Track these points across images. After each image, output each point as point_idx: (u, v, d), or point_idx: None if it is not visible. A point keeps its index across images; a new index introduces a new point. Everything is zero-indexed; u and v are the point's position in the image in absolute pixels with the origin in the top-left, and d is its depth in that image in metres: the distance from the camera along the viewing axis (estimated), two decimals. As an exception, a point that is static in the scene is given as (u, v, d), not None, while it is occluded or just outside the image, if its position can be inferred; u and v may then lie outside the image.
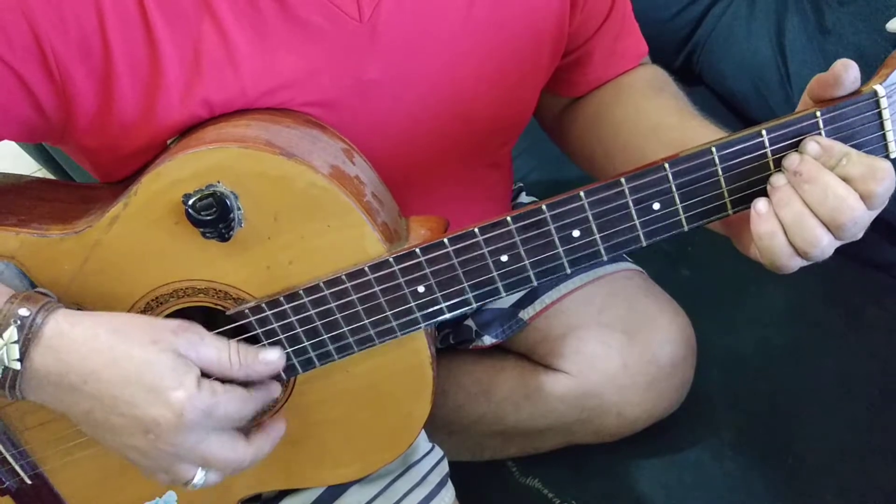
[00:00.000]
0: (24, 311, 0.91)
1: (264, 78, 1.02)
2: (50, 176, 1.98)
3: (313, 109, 1.06)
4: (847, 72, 0.89)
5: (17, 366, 0.90)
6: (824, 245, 0.91)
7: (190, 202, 0.93)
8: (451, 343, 1.52)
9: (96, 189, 1.10)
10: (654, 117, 1.20)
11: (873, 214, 0.92)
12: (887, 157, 0.93)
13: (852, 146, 0.91)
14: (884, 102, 0.90)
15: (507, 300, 1.45)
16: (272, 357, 0.99)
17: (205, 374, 0.95)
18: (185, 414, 0.90)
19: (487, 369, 1.51)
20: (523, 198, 1.60)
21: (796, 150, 0.91)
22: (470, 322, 1.48)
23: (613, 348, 1.41)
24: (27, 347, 0.90)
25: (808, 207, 0.90)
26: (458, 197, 1.26)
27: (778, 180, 0.92)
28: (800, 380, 1.54)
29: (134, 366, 0.90)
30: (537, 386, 1.45)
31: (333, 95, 1.07)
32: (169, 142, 1.02)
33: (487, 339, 1.48)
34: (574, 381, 1.43)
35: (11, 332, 0.90)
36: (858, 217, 0.90)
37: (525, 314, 1.46)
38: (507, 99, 1.19)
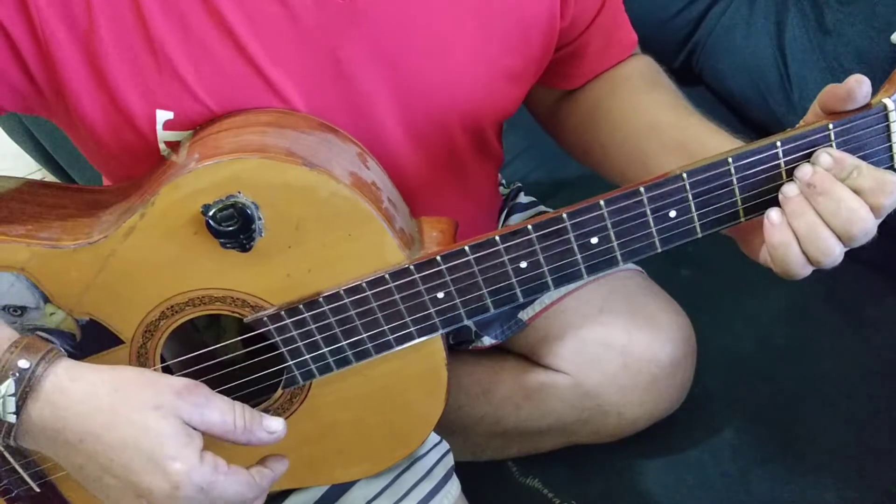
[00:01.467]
0: (23, 363, 0.89)
1: (248, 55, 1.02)
2: (50, 176, 1.96)
3: (299, 91, 1.05)
4: (860, 87, 0.91)
5: (13, 419, 0.88)
6: (837, 254, 0.94)
7: (210, 213, 0.92)
8: (451, 343, 1.52)
9: (102, 193, 1.10)
10: (652, 114, 1.21)
11: (878, 222, 0.95)
12: (892, 168, 0.96)
13: (860, 157, 0.94)
14: (893, 116, 0.93)
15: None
16: (276, 426, 0.97)
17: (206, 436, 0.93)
18: (181, 487, 0.88)
19: (487, 370, 1.51)
20: (522, 198, 1.60)
21: (808, 161, 0.94)
22: (469, 323, 1.47)
23: (613, 348, 1.41)
24: (24, 401, 0.88)
25: (822, 218, 0.93)
26: (447, 182, 1.26)
27: (790, 190, 0.95)
28: (800, 380, 1.55)
29: (133, 431, 0.88)
30: (537, 386, 1.46)
31: (318, 76, 1.06)
32: (159, 112, 1.01)
33: (487, 340, 1.48)
34: (574, 382, 1.43)
35: (9, 385, 0.88)
36: (869, 228, 0.93)
37: (524, 315, 1.46)
38: (495, 88, 1.19)
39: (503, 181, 1.60)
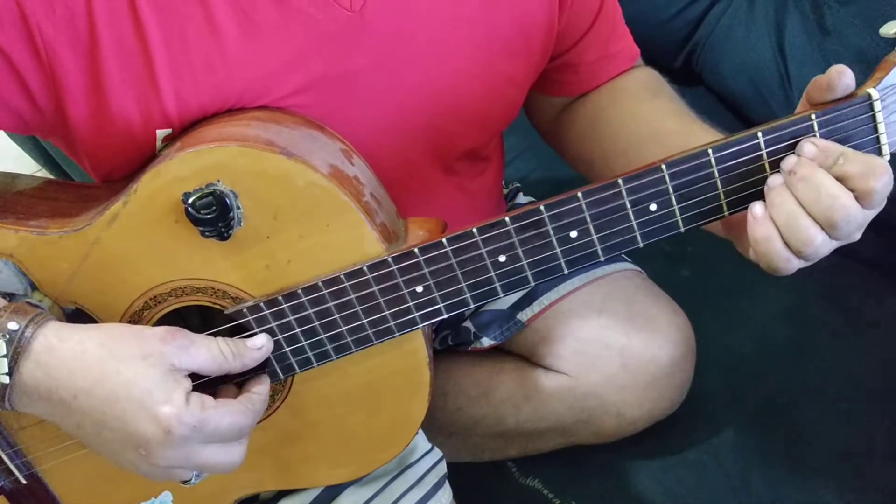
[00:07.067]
0: (13, 325, 0.90)
1: (252, 65, 1.02)
2: (50, 176, 1.97)
3: (302, 98, 1.06)
4: (840, 77, 0.91)
5: (6, 380, 0.89)
6: (818, 244, 0.92)
7: (190, 201, 0.93)
8: (450, 344, 1.52)
9: (95, 188, 1.10)
10: (654, 122, 1.21)
11: (870, 215, 0.93)
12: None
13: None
14: (877, 105, 0.92)
15: (505, 301, 1.45)
16: (261, 342, 0.99)
17: (201, 378, 0.94)
18: (172, 430, 0.89)
19: (487, 371, 1.51)
20: (521, 198, 1.60)
21: (793, 153, 0.93)
22: (468, 324, 1.47)
23: (612, 349, 1.40)
24: (16, 361, 0.89)
25: (802, 206, 0.92)
26: (448, 190, 1.27)
27: (774, 181, 0.93)
28: (800, 380, 1.54)
29: (122, 382, 0.89)
30: (537, 387, 1.45)
31: (322, 85, 1.07)
32: (159, 132, 1.02)
33: (486, 341, 1.47)
34: (573, 382, 1.42)
35: (0, 346, 0.89)
36: (852, 216, 0.91)
37: (523, 315, 1.45)
38: (498, 94, 1.20)
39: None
